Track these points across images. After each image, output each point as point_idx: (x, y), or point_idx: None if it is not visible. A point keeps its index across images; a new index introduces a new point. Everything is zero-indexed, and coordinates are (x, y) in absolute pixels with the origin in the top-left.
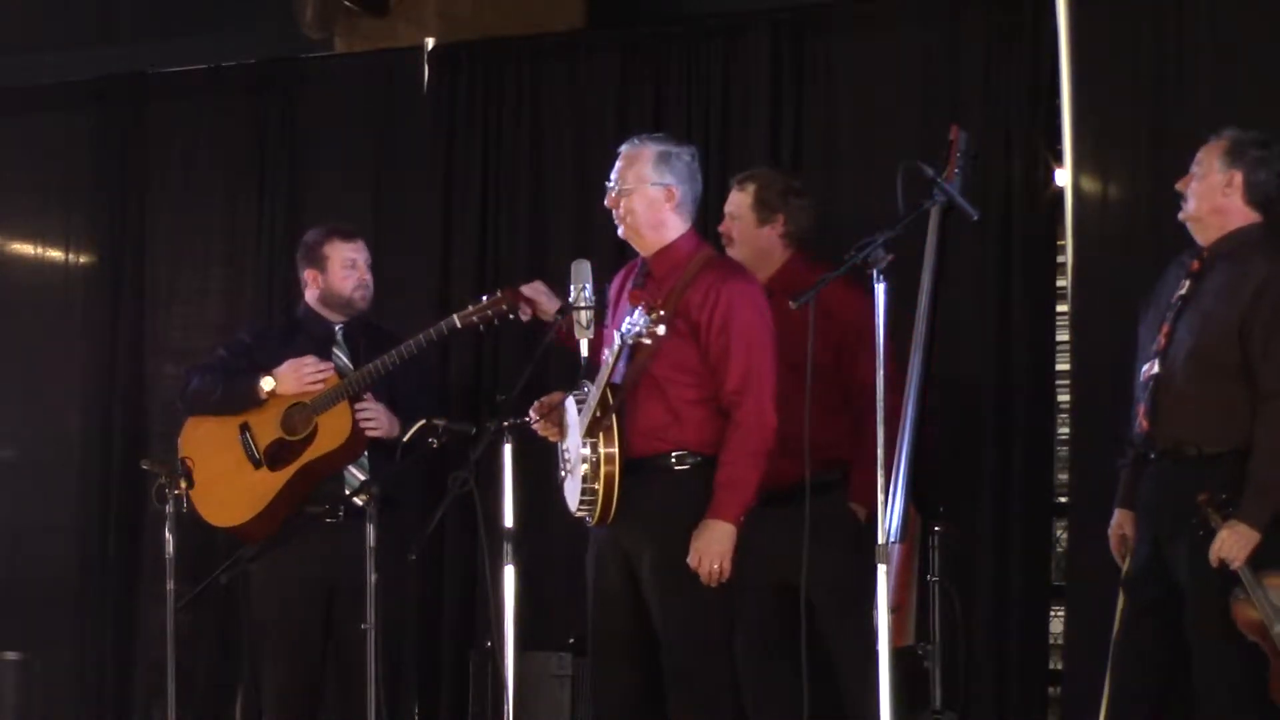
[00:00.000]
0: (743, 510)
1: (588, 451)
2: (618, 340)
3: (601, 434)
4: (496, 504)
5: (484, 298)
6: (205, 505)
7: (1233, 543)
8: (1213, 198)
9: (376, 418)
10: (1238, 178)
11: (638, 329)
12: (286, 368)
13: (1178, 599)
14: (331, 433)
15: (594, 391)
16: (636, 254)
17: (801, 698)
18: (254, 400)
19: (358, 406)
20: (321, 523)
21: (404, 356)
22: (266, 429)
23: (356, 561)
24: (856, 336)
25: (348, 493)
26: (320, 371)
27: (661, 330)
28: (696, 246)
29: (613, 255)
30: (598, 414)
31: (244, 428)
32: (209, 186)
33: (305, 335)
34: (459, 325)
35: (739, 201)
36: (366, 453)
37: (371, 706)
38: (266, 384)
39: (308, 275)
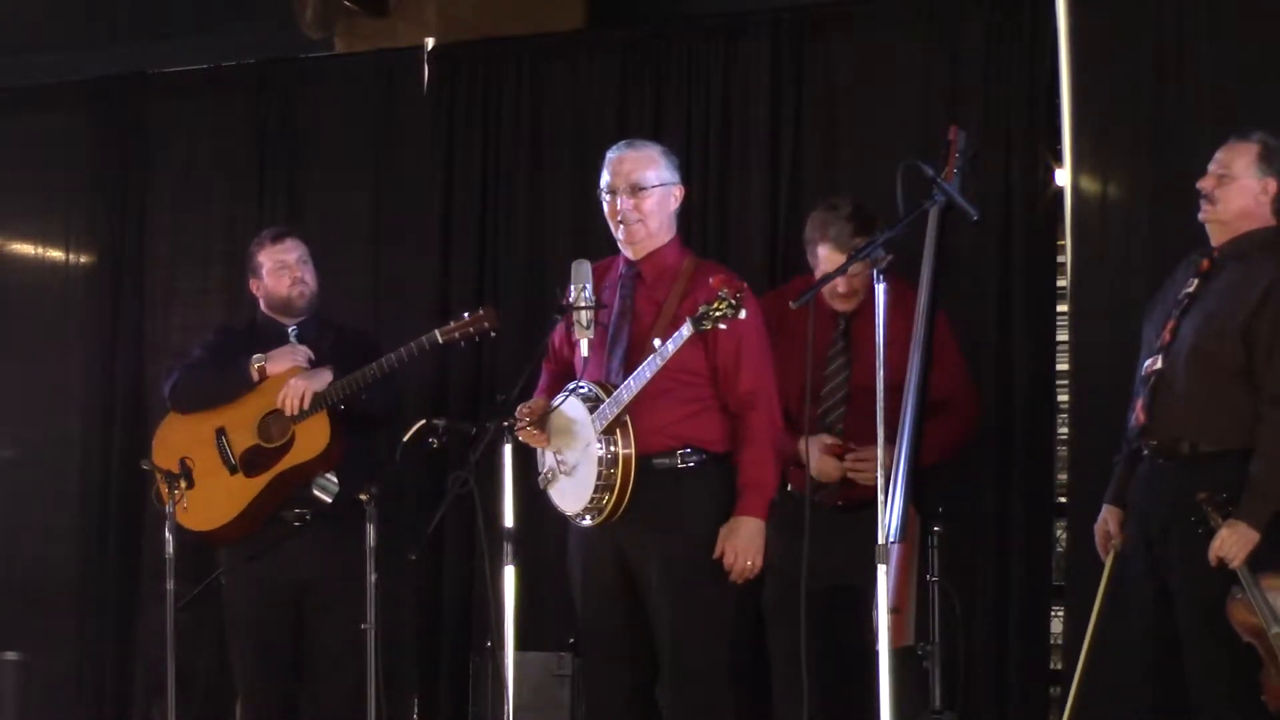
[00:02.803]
0: (768, 506)
1: (602, 448)
2: (687, 327)
3: (618, 430)
4: (496, 504)
5: (466, 315)
6: (179, 508)
7: (1233, 542)
8: (1244, 202)
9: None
10: (1273, 185)
11: (720, 313)
12: (279, 350)
13: (1169, 599)
14: (309, 443)
15: (631, 385)
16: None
17: (839, 695)
18: (246, 382)
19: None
20: (289, 525)
21: (385, 370)
22: (243, 435)
23: (327, 562)
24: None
25: (315, 492)
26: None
27: (744, 315)
28: (682, 251)
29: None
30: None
31: (220, 432)
32: (209, 186)
33: (260, 340)
34: (440, 340)
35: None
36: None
37: (371, 706)
38: (256, 360)
39: (252, 285)
